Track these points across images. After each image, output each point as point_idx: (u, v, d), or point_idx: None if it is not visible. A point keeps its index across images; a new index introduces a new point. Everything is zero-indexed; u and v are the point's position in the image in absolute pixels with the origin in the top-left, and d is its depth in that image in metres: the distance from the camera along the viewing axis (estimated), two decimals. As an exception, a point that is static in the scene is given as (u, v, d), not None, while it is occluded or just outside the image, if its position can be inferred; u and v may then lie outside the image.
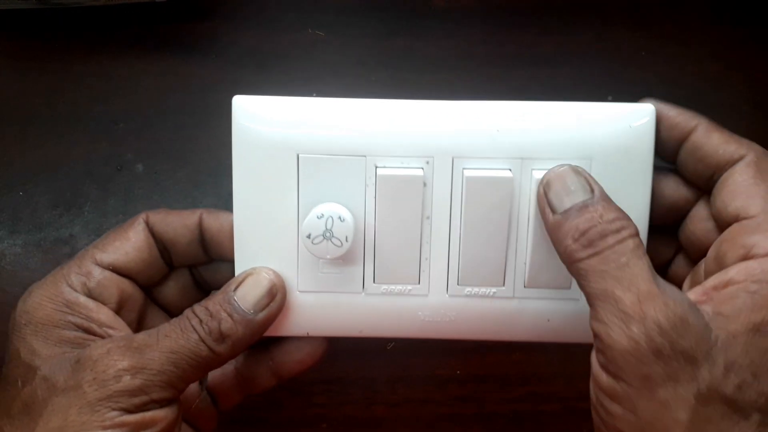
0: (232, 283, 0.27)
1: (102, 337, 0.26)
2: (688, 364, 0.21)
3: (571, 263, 0.24)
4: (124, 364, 0.23)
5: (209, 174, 0.44)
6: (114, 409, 0.23)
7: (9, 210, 0.44)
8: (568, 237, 0.24)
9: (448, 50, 0.46)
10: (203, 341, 0.25)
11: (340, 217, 0.27)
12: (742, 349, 0.21)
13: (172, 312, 0.31)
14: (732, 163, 0.27)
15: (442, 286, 0.29)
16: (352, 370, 0.43)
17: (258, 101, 0.29)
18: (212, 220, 0.29)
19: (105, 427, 0.23)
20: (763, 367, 0.21)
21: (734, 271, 0.23)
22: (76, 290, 0.26)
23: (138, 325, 0.29)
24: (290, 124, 0.29)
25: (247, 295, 0.27)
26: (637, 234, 0.24)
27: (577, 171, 0.26)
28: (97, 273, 0.27)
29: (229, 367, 0.30)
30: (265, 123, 0.29)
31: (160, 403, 0.24)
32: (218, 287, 0.28)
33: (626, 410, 0.22)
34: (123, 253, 0.28)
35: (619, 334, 0.22)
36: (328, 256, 0.27)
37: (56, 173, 0.44)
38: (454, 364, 0.43)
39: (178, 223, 0.29)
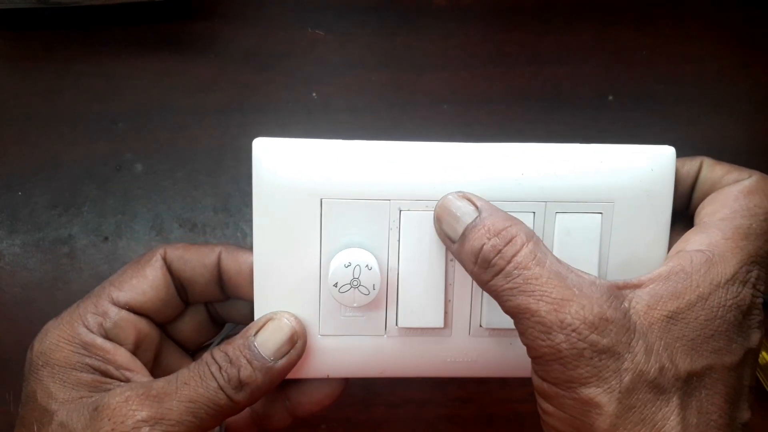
0: (252, 328, 0.26)
1: (119, 379, 0.25)
2: (611, 359, 0.22)
3: (482, 286, 0.24)
4: (142, 414, 0.23)
5: (208, 174, 0.44)
6: None
7: (8, 210, 0.44)
8: (468, 263, 0.24)
9: (448, 50, 0.46)
10: (222, 389, 0.24)
11: (367, 266, 0.26)
12: (659, 335, 0.23)
13: (187, 347, 0.30)
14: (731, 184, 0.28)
15: (465, 327, 0.29)
16: (352, 371, 0.43)
17: (280, 144, 0.28)
18: (231, 260, 0.28)
19: None
20: (678, 351, 0.23)
21: (665, 265, 0.24)
22: (92, 331, 0.26)
23: (154, 364, 0.28)
24: (313, 167, 0.28)
25: (267, 341, 0.26)
26: (531, 236, 0.24)
27: (458, 196, 0.25)
28: (114, 313, 0.26)
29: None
30: (287, 166, 0.28)
31: None
32: (234, 322, 0.29)
33: (557, 409, 0.23)
34: (140, 292, 0.27)
35: (541, 345, 0.23)
36: (355, 305, 0.27)
37: (55, 173, 0.44)
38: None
39: (196, 262, 0.28)
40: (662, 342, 0.22)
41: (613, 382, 0.22)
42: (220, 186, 0.44)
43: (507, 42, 0.46)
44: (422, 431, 0.42)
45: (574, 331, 0.22)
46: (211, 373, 0.24)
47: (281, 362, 0.26)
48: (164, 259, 0.28)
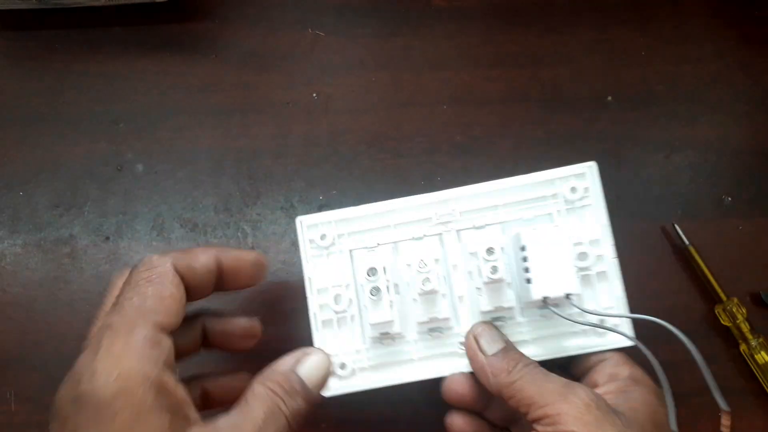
0: (291, 361, 0.30)
1: (184, 418, 0.24)
2: (608, 414, 0.29)
3: (502, 389, 0.31)
4: None
5: (209, 174, 0.44)
6: None
7: (9, 210, 0.44)
8: (501, 372, 0.31)
9: (448, 50, 0.46)
10: (289, 424, 0.27)
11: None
12: None
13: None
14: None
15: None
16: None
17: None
18: (231, 260, 0.31)
19: None
20: None
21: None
22: (157, 365, 0.24)
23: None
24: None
25: (312, 376, 0.30)
26: (529, 362, 0.32)
27: (491, 327, 0.34)
28: (166, 343, 0.25)
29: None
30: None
31: None
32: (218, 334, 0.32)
33: None
34: (175, 314, 0.26)
35: (561, 405, 0.29)
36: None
37: (56, 173, 0.44)
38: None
39: (202, 268, 0.29)
40: None
41: None
42: (220, 186, 0.44)
43: (507, 42, 0.46)
44: (422, 430, 0.42)
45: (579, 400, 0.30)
46: (282, 412, 0.27)
47: (316, 392, 0.30)
48: (175, 269, 0.28)
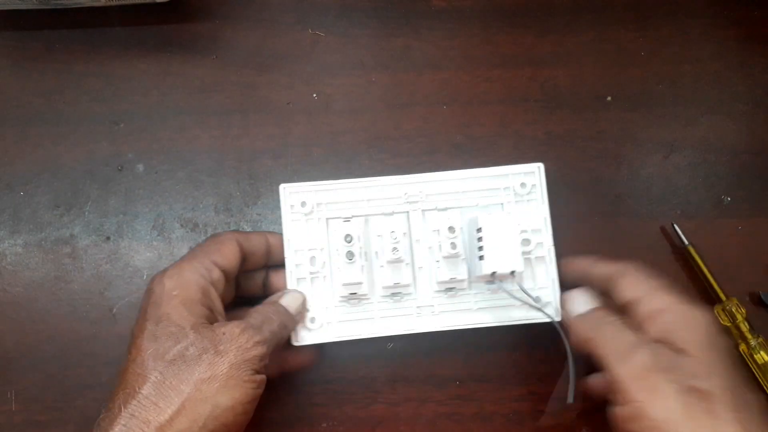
0: (275, 297, 0.39)
1: (215, 319, 0.35)
2: (667, 373, 0.31)
3: (583, 343, 0.36)
4: (255, 339, 0.34)
5: (210, 174, 0.45)
6: (250, 369, 0.33)
7: (10, 210, 0.44)
8: (585, 332, 0.36)
9: (448, 50, 0.46)
10: (279, 326, 0.36)
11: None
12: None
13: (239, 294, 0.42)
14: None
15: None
16: (352, 370, 0.43)
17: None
18: (276, 239, 0.40)
19: (244, 381, 0.33)
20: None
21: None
22: (207, 280, 0.36)
23: (225, 306, 0.38)
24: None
25: (291, 304, 0.39)
26: (623, 320, 0.35)
27: (583, 291, 0.38)
28: (216, 272, 0.37)
29: None
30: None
31: (266, 368, 0.35)
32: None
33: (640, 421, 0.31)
34: (229, 260, 0.38)
35: (622, 368, 0.32)
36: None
37: (57, 173, 0.44)
38: (454, 363, 0.43)
39: (257, 242, 0.40)
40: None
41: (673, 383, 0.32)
42: (221, 186, 0.44)
43: (506, 43, 0.46)
44: (422, 429, 0.42)
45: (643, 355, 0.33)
46: (273, 317, 0.37)
47: (298, 317, 0.39)
48: (236, 240, 0.39)
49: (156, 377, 0.32)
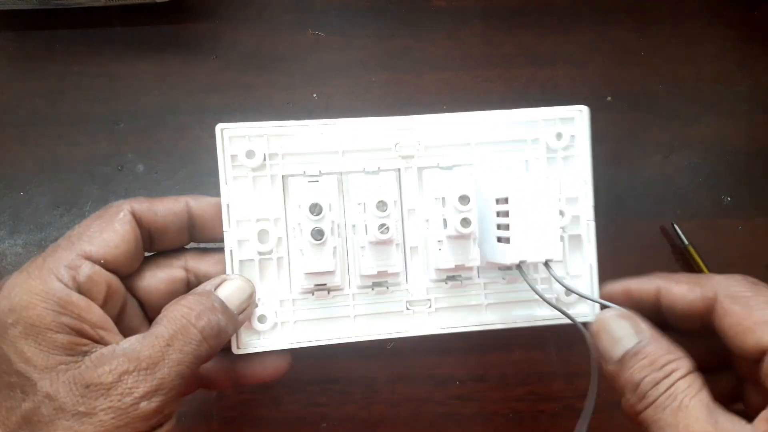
0: (209, 285, 0.28)
1: (94, 339, 0.24)
2: None
3: (634, 416, 0.24)
4: (140, 391, 0.23)
5: (209, 174, 0.45)
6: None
7: (10, 210, 0.44)
8: (626, 391, 0.24)
9: (448, 51, 0.46)
10: (205, 340, 0.25)
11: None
12: None
13: (144, 300, 0.29)
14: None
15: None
16: (352, 370, 0.43)
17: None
18: (201, 204, 0.29)
19: None
20: None
21: None
22: (68, 286, 0.24)
23: (118, 319, 0.27)
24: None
25: (232, 297, 0.27)
26: (690, 371, 0.23)
27: (622, 316, 0.25)
28: (87, 268, 0.25)
29: None
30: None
31: (169, 416, 0.24)
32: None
33: None
34: (113, 246, 0.26)
35: None
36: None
37: (57, 173, 0.44)
38: (454, 363, 0.43)
39: (166, 211, 0.28)
40: None
41: None
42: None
43: (506, 43, 0.46)
44: (422, 429, 0.42)
45: None
46: (193, 325, 0.24)
47: (242, 316, 0.28)
48: (132, 213, 0.28)
49: None
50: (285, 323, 0.30)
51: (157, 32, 0.46)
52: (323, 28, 0.46)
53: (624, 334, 0.25)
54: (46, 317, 0.23)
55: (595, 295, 0.29)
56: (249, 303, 0.28)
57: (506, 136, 0.30)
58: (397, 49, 0.46)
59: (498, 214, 0.27)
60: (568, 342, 0.40)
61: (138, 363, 0.23)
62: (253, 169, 0.29)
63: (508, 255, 0.27)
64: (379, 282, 0.30)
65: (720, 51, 0.46)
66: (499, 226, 0.27)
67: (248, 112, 0.45)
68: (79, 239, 0.26)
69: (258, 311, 0.29)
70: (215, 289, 0.27)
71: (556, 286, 0.29)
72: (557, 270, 0.29)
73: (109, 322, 0.25)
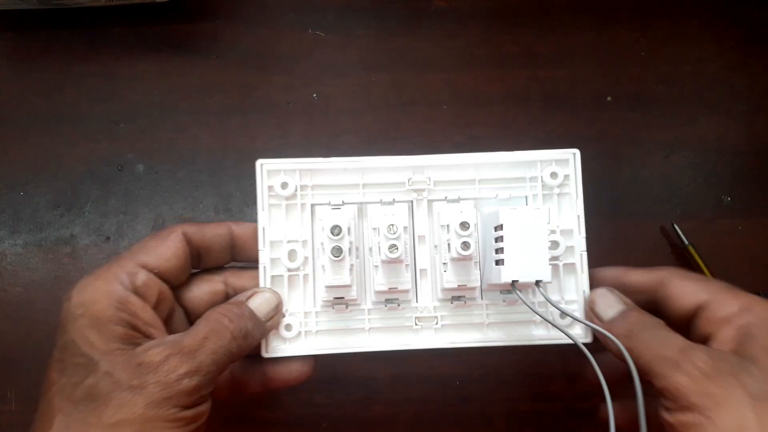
0: (243, 296, 0.33)
1: (145, 334, 0.29)
2: (731, 377, 0.27)
3: (619, 353, 0.30)
4: (183, 370, 0.27)
5: (209, 174, 0.45)
6: (175, 406, 0.27)
7: (10, 210, 0.44)
8: (617, 337, 0.30)
9: (448, 50, 0.46)
10: (234, 339, 0.29)
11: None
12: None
13: (189, 309, 0.34)
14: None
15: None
16: (352, 370, 0.43)
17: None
18: (242, 229, 0.34)
19: (168, 421, 0.27)
20: None
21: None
22: (127, 289, 0.29)
23: (166, 321, 0.32)
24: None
25: (260, 306, 0.32)
26: (660, 320, 0.30)
27: (612, 290, 0.32)
28: (143, 275, 0.30)
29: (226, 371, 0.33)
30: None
31: (206, 398, 0.29)
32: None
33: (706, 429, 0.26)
34: (165, 259, 0.31)
35: (678, 377, 0.28)
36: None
37: (57, 173, 0.44)
38: (454, 363, 0.43)
39: (213, 233, 0.33)
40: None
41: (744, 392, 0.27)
42: (221, 186, 0.44)
43: (506, 43, 0.46)
44: (422, 429, 0.42)
45: (699, 360, 0.28)
46: (226, 327, 0.30)
47: (269, 323, 0.32)
48: (183, 234, 0.33)
49: (61, 421, 0.27)
50: (308, 332, 0.34)
51: (157, 32, 0.46)
52: (323, 28, 0.46)
53: (615, 301, 0.32)
54: (107, 311, 0.28)
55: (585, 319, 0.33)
56: (276, 312, 0.33)
57: (507, 174, 0.34)
58: (397, 48, 0.46)
59: (496, 240, 0.31)
60: (568, 343, 0.40)
61: (181, 349, 0.28)
62: (286, 198, 0.34)
63: (503, 275, 0.30)
64: (391, 299, 0.34)
65: (720, 51, 0.46)
66: (497, 251, 0.31)
67: (248, 112, 0.45)
68: (138, 252, 0.31)
69: (285, 321, 0.33)
70: (247, 299, 0.32)
71: (552, 309, 0.33)
72: (553, 295, 0.33)
73: (159, 322, 0.30)
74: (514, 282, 0.31)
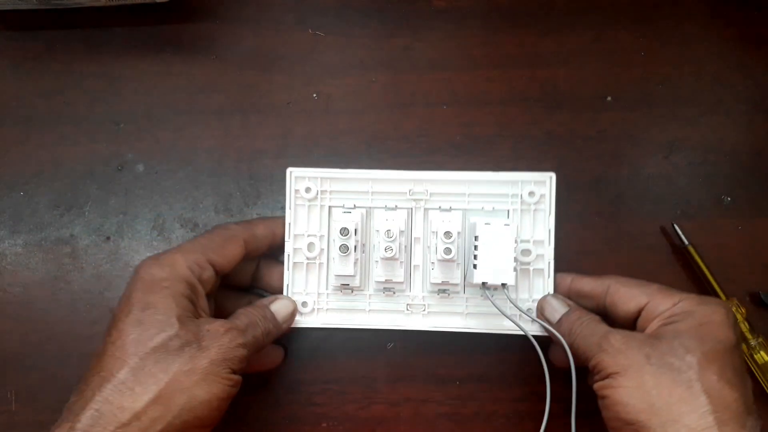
0: (266, 301, 0.39)
1: (198, 314, 0.36)
2: (638, 351, 0.33)
3: (569, 348, 0.37)
4: (238, 341, 0.35)
5: (209, 174, 0.45)
6: (229, 368, 0.34)
7: (10, 210, 0.44)
8: (564, 336, 0.37)
9: (448, 50, 0.46)
10: (263, 333, 0.37)
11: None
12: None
13: (234, 285, 0.42)
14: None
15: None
16: (352, 370, 0.43)
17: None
18: (281, 230, 0.41)
19: (222, 378, 0.33)
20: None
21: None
22: (195, 275, 0.36)
23: (213, 302, 0.39)
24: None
25: (280, 310, 0.39)
26: (597, 317, 0.37)
27: (555, 296, 0.39)
28: (208, 270, 0.37)
29: None
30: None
31: (243, 370, 0.35)
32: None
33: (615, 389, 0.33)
34: (227, 261, 0.38)
35: (601, 354, 0.34)
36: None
37: (57, 173, 0.44)
38: (454, 363, 0.43)
39: (263, 237, 0.40)
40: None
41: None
42: (221, 186, 0.45)
43: (506, 43, 0.46)
44: (422, 429, 0.42)
45: (618, 337, 0.35)
46: (259, 323, 0.37)
47: (285, 325, 0.39)
48: (244, 241, 0.39)
49: (135, 363, 0.32)
50: (320, 309, 0.41)
51: (157, 32, 0.46)
52: (323, 28, 0.46)
53: (558, 306, 0.38)
54: (184, 289, 0.35)
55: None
56: (291, 315, 0.40)
57: (493, 190, 0.41)
58: (397, 48, 0.46)
59: (475, 247, 0.38)
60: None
61: (236, 326, 0.35)
62: (309, 200, 0.41)
63: (475, 276, 0.38)
64: (388, 287, 0.41)
65: (720, 51, 0.46)
66: (474, 257, 0.38)
67: (248, 112, 0.45)
68: (206, 247, 0.37)
69: (302, 299, 0.41)
70: (270, 303, 0.39)
71: (520, 305, 0.39)
72: (523, 294, 0.40)
73: (207, 308, 0.37)
74: (484, 283, 0.38)
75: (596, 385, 0.34)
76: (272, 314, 0.38)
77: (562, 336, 0.37)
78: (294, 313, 0.40)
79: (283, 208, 0.41)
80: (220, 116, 0.45)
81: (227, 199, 0.44)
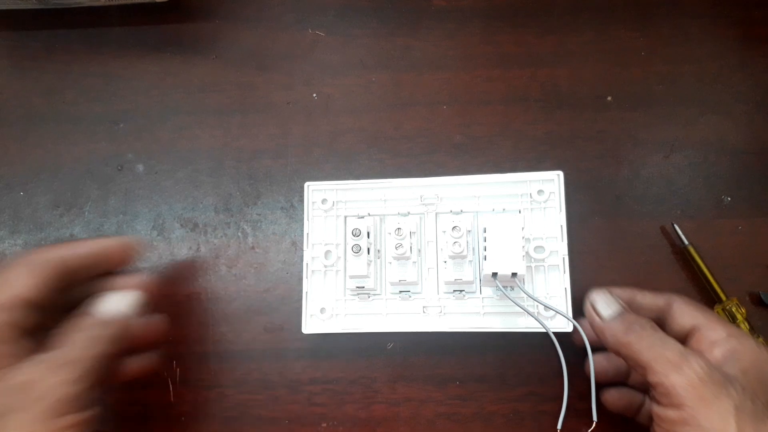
0: (93, 305, 0.35)
1: (26, 348, 0.31)
2: (722, 387, 0.31)
3: (618, 346, 0.35)
4: (62, 376, 0.29)
5: (210, 174, 0.45)
6: (55, 416, 0.29)
7: (10, 210, 0.44)
8: (616, 333, 0.35)
9: (448, 51, 0.46)
10: (111, 340, 0.33)
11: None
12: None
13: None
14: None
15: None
16: (352, 370, 0.43)
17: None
18: (114, 244, 0.37)
19: (63, 429, 0.29)
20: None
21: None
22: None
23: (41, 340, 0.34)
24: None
25: (112, 308, 0.35)
26: (654, 325, 0.35)
27: (609, 292, 0.37)
28: (15, 311, 0.32)
29: None
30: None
31: (87, 403, 0.30)
32: None
33: (692, 427, 0.31)
34: (29, 291, 0.33)
35: (675, 377, 0.31)
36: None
37: (57, 173, 0.44)
38: (454, 363, 0.43)
39: (85, 250, 0.36)
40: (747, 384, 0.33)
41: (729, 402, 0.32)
42: (221, 186, 0.45)
43: (506, 43, 0.46)
44: (422, 429, 0.42)
45: (697, 365, 0.32)
46: (88, 343, 0.32)
47: (137, 313, 0.35)
48: (51, 263, 0.34)
49: None
50: (338, 315, 0.41)
51: (157, 32, 0.46)
52: (323, 28, 0.46)
53: (612, 302, 0.37)
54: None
55: (569, 311, 0.39)
56: (137, 305, 0.36)
57: (502, 191, 0.41)
58: (397, 48, 0.46)
59: (485, 240, 0.38)
60: (568, 343, 0.40)
61: (58, 362, 0.31)
62: (325, 211, 0.42)
63: (485, 267, 0.37)
64: (403, 290, 0.41)
65: (720, 51, 0.46)
66: (485, 249, 0.38)
67: (248, 112, 0.45)
68: (10, 294, 0.32)
69: (321, 305, 0.41)
70: (97, 307, 0.34)
71: (538, 303, 0.39)
72: (539, 291, 0.40)
73: (24, 348, 0.32)
74: (494, 273, 0.37)
75: (660, 411, 0.32)
76: (99, 321, 0.33)
77: (617, 336, 0.34)
78: (139, 301, 0.36)
79: (283, 208, 0.41)
80: (220, 116, 0.45)
81: (227, 199, 0.44)
